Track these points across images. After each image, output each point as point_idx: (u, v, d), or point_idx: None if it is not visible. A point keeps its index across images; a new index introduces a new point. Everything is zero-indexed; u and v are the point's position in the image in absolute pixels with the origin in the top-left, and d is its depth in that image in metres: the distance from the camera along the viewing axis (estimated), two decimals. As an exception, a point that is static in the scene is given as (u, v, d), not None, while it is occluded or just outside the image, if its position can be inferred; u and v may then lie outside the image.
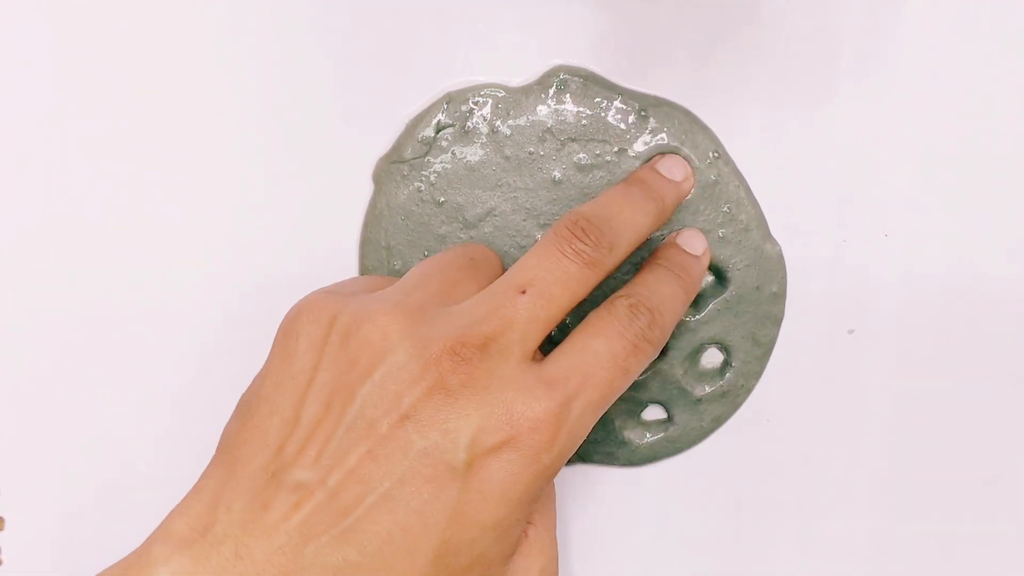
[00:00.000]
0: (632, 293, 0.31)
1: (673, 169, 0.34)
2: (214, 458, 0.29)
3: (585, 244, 0.30)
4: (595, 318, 0.30)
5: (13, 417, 0.36)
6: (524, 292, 0.29)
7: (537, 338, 0.29)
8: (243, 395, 0.30)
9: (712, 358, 0.36)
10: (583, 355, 0.29)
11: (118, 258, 0.36)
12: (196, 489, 0.28)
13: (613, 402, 0.29)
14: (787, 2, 0.34)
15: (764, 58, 0.35)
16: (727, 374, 0.36)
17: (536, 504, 0.29)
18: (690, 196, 0.35)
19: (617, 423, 0.36)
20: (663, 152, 0.35)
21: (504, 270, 0.33)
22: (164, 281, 0.36)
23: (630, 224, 0.31)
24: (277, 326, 0.35)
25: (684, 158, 0.35)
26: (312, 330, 0.29)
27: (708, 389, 0.36)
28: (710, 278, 0.35)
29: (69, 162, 0.36)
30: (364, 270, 0.36)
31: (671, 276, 0.32)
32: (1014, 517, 0.36)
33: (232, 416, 0.30)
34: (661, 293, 0.31)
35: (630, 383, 0.30)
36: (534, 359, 0.29)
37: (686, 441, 0.36)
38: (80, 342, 0.36)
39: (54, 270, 0.36)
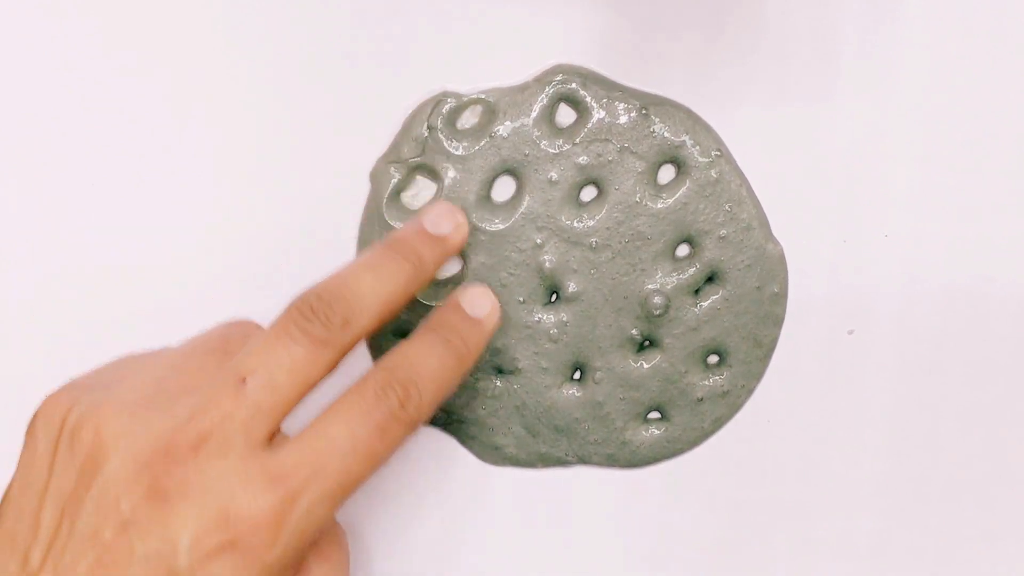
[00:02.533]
0: (387, 366, 0.29)
1: (439, 222, 0.32)
2: None
3: (311, 323, 0.28)
4: (342, 400, 0.29)
5: (13, 417, 0.37)
6: (244, 381, 0.28)
7: (263, 427, 0.28)
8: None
9: (713, 359, 0.36)
10: (317, 443, 0.28)
11: (116, 257, 0.36)
12: None
13: (357, 488, 0.28)
14: (787, 2, 0.34)
15: (764, 58, 0.35)
16: (728, 375, 0.36)
17: None
18: (665, 204, 0.34)
19: (619, 423, 0.36)
20: (434, 202, 0.33)
21: None
22: (160, 279, 0.36)
23: (370, 294, 0.29)
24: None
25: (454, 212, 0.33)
26: (48, 432, 0.28)
27: (709, 389, 0.36)
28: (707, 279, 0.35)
29: (68, 162, 0.36)
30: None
31: (441, 345, 0.30)
32: (1014, 517, 0.36)
33: None
34: (424, 365, 0.29)
35: (380, 466, 0.28)
36: (272, 445, 0.28)
37: (687, 442, 0.36)
38: (80, 341, 0.36)
39: (53, 270, 0.36)
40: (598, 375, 0.35)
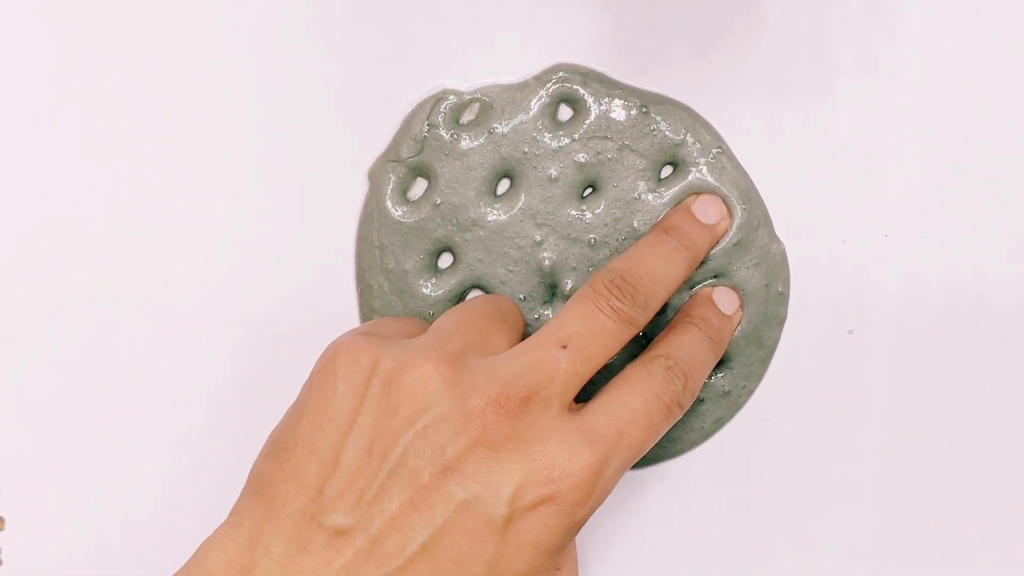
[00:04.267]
0: (669, 355, 0.31)
1: (708, 211, 0.34)
2: (245, 493, 0.29)
3: (621, 302, 0.30)
4: (633, 375, 0.31)
5: (14, 417, 0.36)
6: (565, 347, 0.29)
7: (574, 391, 0.30)
8: (274, 432, 0.30)
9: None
10: (621, 412, 0.30)
11: (115, 256, 0.36)
12: (231, 524, 0.28)
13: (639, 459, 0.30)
14: (787, 2, 0.34)
15: (764, 58, 0.35)
16: (729, 375, 0.36)
17: (565, 549, 0.30)
18: (666, 202, 0.34)
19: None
20: (698, 191, 0.35)
21: (524, 321, 0.34)
22: (160, 278, 0.36)
23: (663, 280, 0.32)
24: (274, 324, 0.36)
25: (722, 198, 0.35)
26: (352, 373, 0.29)
27: (710, 389, 0.36)
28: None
29: (67, 161, 0.35)
30: (360, 269, 0.36)
31: (705, 339, 0.33)
32: (1014, 517, 0.36)
33: (264, 453, 0.29)
34: (695, 356, 0.32)
35: (656, 443, 0.30)
36: (570, 410, 0.30)
37: (687, 442, 0.36)
38: (80, 342, 0.36)
39: (54, 270, 0.36)
40: (597, 376, 0.35)
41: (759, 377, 0.36)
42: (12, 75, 0.35)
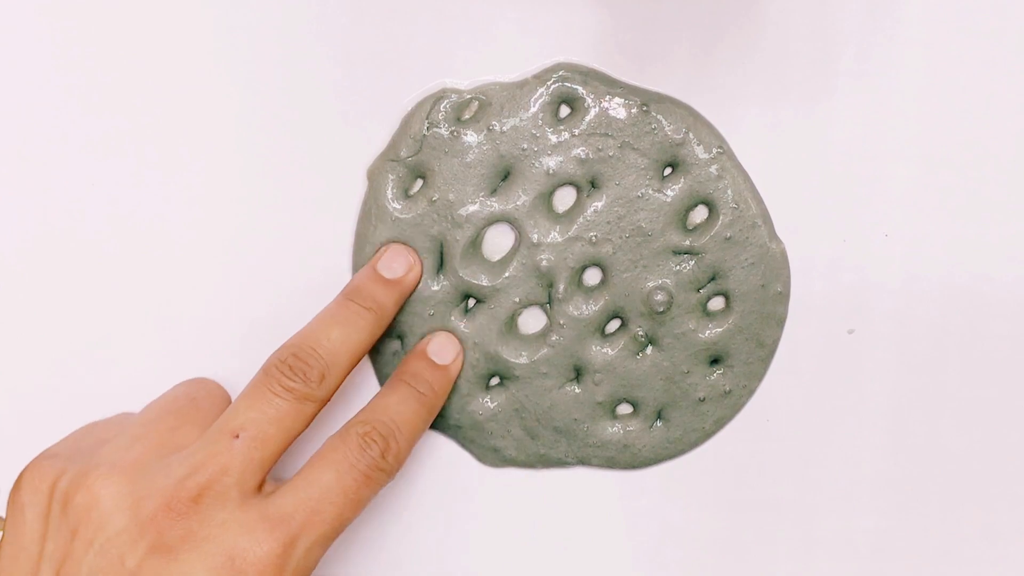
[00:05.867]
0: (367, 420, 0.31)
1: (392, 265, 0.34)
2: None
3: (294, 381, 0.30)
4: (328, 448, 0.31)
5: (14, 417, 0.36)
6: (237, 436, 0.30)
7: (255, 478, 0.30)
8: None
9: (715, 359, 0.36)
10: (310, 490, 0.30)
11: (114, 255, 0.36)
12: None
13: (345, 529, 0.30)
14: (787, 2, 0.34)
15: (764, 57, 0.35)
16: (730, 375, 0.36)
17: None
18: (667, 200, 0.34)
19: (620, 425, 0.36)
20: (388, 243, 0.35)
21: (229, 401, 0.34)
22: (158, 276, 0.36)
23: (342, 348, 0.32)
24: (272, 323, 0.35)
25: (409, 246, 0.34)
26: (35, 500, 0.30)
27: (711, 389, 0.36)
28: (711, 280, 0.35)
29: (67, 160, 0.35)
30: (357, 267, 0.35)
31: (414, 396, 0.33)
32: (1014, 517, 0.36)
33: None
34: (400, 415, 0.32)
35: (364, 508, 0.31)
36: (262, 492, 0.30)
37: (688, 443, 0.36)
38: (80, 341, 0.36)
39: (54, 270, 0.36)
40: (598, 376, 0.35)
41: (760, 377, 0.36)
42: (12, 75, 0.35)
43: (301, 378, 0.30)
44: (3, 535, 0.30)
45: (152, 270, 0.36)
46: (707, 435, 0.36)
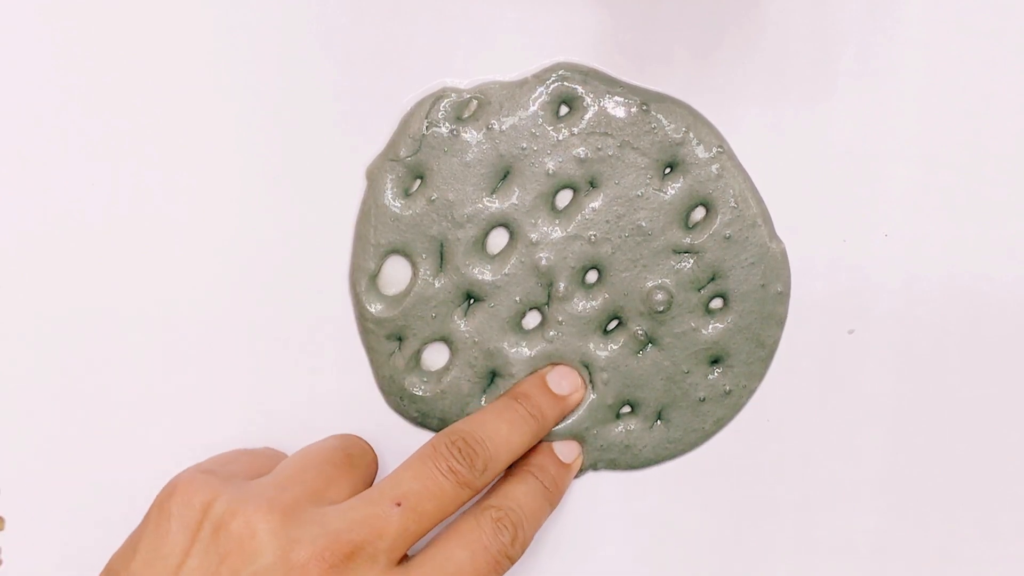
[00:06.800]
0: (500, 506, 0.32)
1: (562, 382, 0.35)
2: None
3: (460, 464, 0.31)
4: (463, 526, 0.31)
5: (14, 417, 0.36)
6: (399, 504, 0.30)
7: (404, 548, 0.30)
8: (111, 561, 0.31)
9: (716, 360, 0.36)
10: (447, 565, 0.30)
11: (114, 255, 0.36)
12: None
13: None
14: (787, 2, 0.34)
15: (764, 57, 0.35)
16: (730, 375, 0.36)
17: None
18: (667, 199, 0.34)
19: (622, 425, 0.36)
20: (556, 362, 0.35)
21: (378, 464, 0.35)
22: (158, 276, 0.36)
23: (506, 445, 0.33)
24: (272, 322, 0.35)
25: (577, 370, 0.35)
26: (185, 513, 0.30)
27: (711, 389, 0.35)
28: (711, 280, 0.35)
29: (66, 160, 0.35)
30: (355, 267, 0.35)
31: (540, 490, 0.33)
32: (1014, 517, 0.36)
33: None
34: (528, 507, 0.33)
35: None
36: (400, 564, 0.30)
37: (688, 443, 0.36)
38: (79, 341, 0.36)
39: (53, 270, 0.36)
40: (605, 376, 0.35)
41: (760, 377, 0.36)
42: (12, 75, 0.35)
43: (467, 464, 0.31)
44: (140, 538, 0.30)
45: (152, 270, 0.36)
46: (707, 435, 0.36)
